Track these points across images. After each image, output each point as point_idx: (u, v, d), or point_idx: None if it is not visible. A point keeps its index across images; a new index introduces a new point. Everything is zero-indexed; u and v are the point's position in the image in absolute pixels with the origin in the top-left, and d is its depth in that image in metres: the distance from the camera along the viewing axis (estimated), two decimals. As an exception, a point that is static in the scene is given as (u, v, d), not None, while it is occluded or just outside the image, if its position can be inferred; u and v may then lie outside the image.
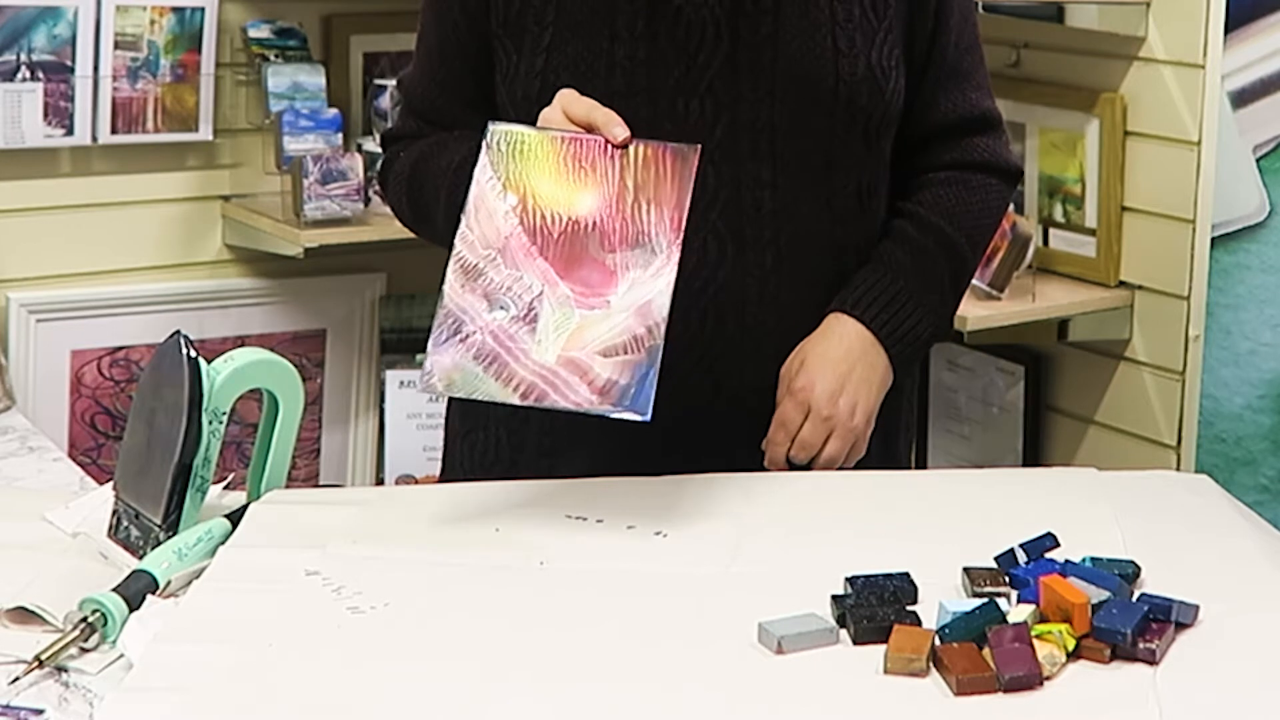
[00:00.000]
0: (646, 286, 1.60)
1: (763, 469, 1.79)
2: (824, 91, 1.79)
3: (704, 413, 1.79)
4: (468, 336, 1.58)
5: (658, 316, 1.58)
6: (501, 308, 1.59)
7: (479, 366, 1.57)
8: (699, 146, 1.65)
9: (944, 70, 1.87)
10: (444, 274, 1.60)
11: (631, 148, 1.64)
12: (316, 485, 3.24)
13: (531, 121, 1.70)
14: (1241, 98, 2.77)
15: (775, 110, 1.78)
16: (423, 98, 1.92)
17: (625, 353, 1.57)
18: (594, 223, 1.62)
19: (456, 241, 1.61)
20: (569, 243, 1.61)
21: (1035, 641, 1.31)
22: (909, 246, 1.86)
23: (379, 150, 3.05)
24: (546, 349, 1.57)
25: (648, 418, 1.55)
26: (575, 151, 1.64)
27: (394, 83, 3.15)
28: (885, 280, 1.83)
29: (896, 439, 1.95)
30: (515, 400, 1.57)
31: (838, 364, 1.79)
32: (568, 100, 1.69)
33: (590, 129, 1.66)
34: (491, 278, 1.60)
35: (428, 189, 1.85)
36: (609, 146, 1.64)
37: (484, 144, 1.65)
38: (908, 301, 1.83)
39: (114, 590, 1.46)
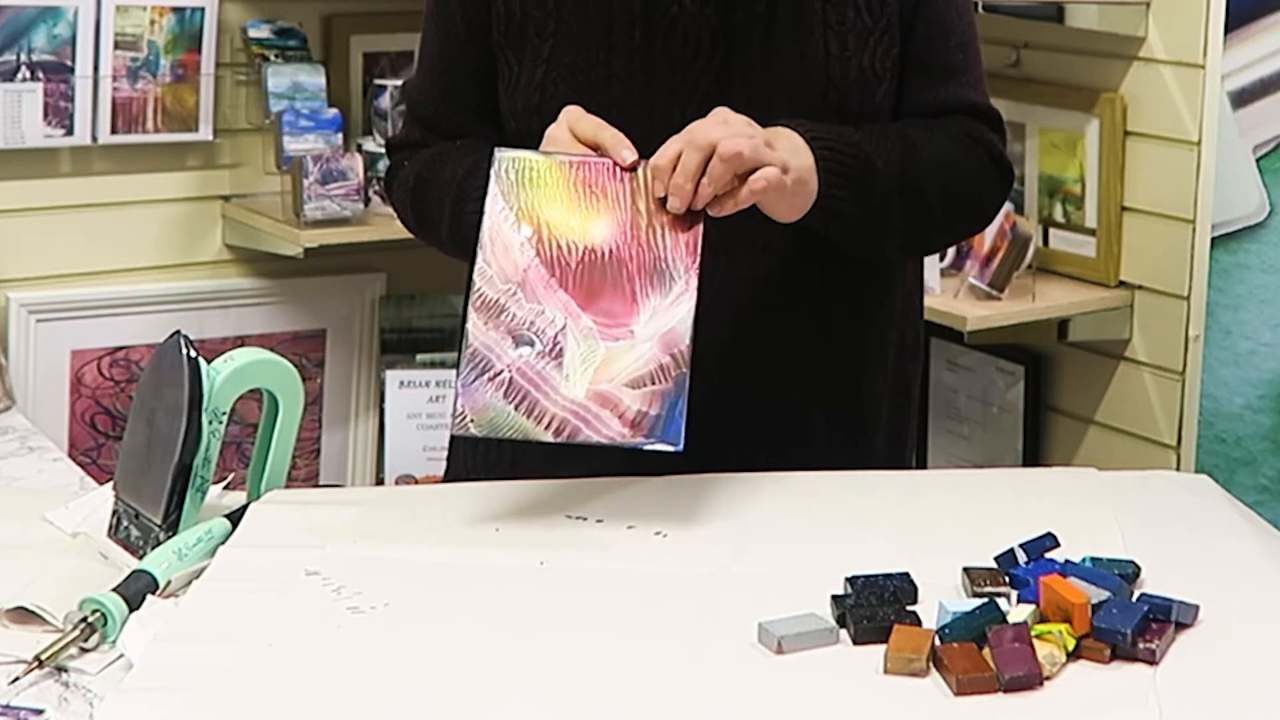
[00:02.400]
0: (668, 314, 1.60)
1: (763, 470, 1.79)
2: (814, 96, 1.78)
3: (700, 419, 1.79)
4: (496, 375, 1.58)
5: (681, 345, 1.58)
6: (527, 344, 1.59)
7: (510, 405, 1.57)
8: None
9: (935, 68, 1.85)
10: (464, 311, 1.60)
11: (640, 169, 1.64)
12: (316, 485, 3.24)
13: (533, 132, 1.70)
14: (1241, 98, 2.77)
15: (767, 117, 1.77)
16: (426, 106, 1.92)
17: (653, 383, 1.57)
18: (610, 250, 1.62)
19: (475, 277, 1.61)
20: (587, 273, 1.61)
21: (1035, 641, 1.31)
22: (868, 128, 1.78)
23: (379, 150, 3.07)
24: (575, 384, 1.57)
25: (680, 448, 1.56)
26: (585, 176, 1.64)
27: (394, 83, 3.15)
28: (838, 129, 1.74)
29: (905, 441, 1.95)
30: (548, 438, 1.57)
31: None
32: (574, 118, 1.68)
33: (597, 149, 1.65)
34: (514, 313, 1.60)
35: (431, 200, 1.85)
36: (617, 169, 1.64)
37: (492, 173, 1.64)
38: (852, 143, 1.72)
39: (114, 590, 1.46)
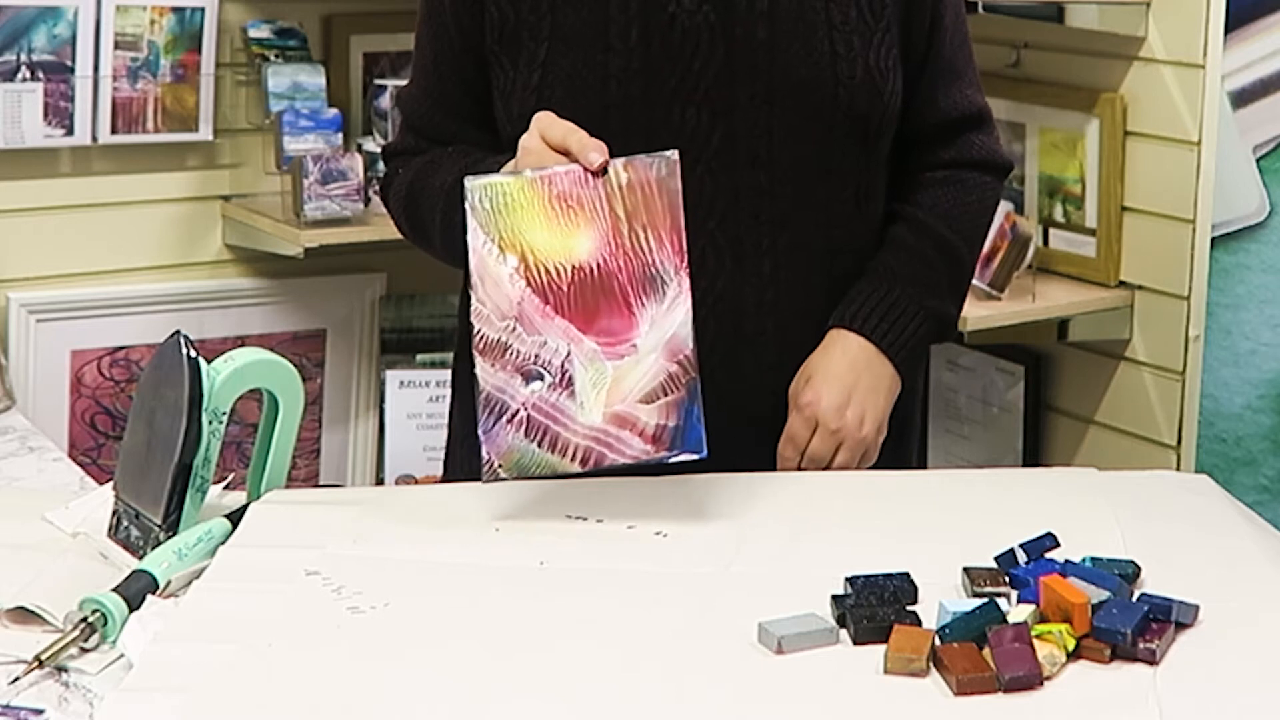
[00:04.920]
0: (666, 320, 1.59)
1: (766, 470, 1.79)
2: (823, 97, 1.79)
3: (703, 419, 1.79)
4: (514, 416, 1.58)
5: (685, 350, 1.58)
6: (537, 378, 1.58)
7: (532, 444, 1.58)
8: (677, 152, 1.61)
9: (941, 68, 1.87)
10: (470, 355, 1.60)
11: (611, 170, 1.61)
12: (316, 485, 3.24)
13: None
14: (1241, 98, 2.77)
15: (773, 116, 1.78)
16: (420, 114, 1.91)
17: (665, 394, 1.58)
18: (598, 264, 1.60)
19: (472, 319, 1.60)
20: (580, 293, 1.60)
21: (1035, 641, 1.31)
22: (905, 253, 1.86)
23: (378, 150, 3.06)
24: (590, 410, 1.57)
25: (704, 454, 1.56)
26: (558, 190, 1.61)
27: (394, 83, 3.15)
28: (882, 290, 1.83)
29: (909, 441, 1.96)
30: (576, 469, 1.58)
31: (843, 376, 1.79)
32: (545, 125, 1.66)
33: (566, 154, 1.63)
34: (517, 350, 1.59)
35: (424, 209, 1.85)
36: (588, 175, 1.61)
37: (466, 206, 1.61)
38: (907, 307, 1.83)
39: (114, 590, 1.46)
